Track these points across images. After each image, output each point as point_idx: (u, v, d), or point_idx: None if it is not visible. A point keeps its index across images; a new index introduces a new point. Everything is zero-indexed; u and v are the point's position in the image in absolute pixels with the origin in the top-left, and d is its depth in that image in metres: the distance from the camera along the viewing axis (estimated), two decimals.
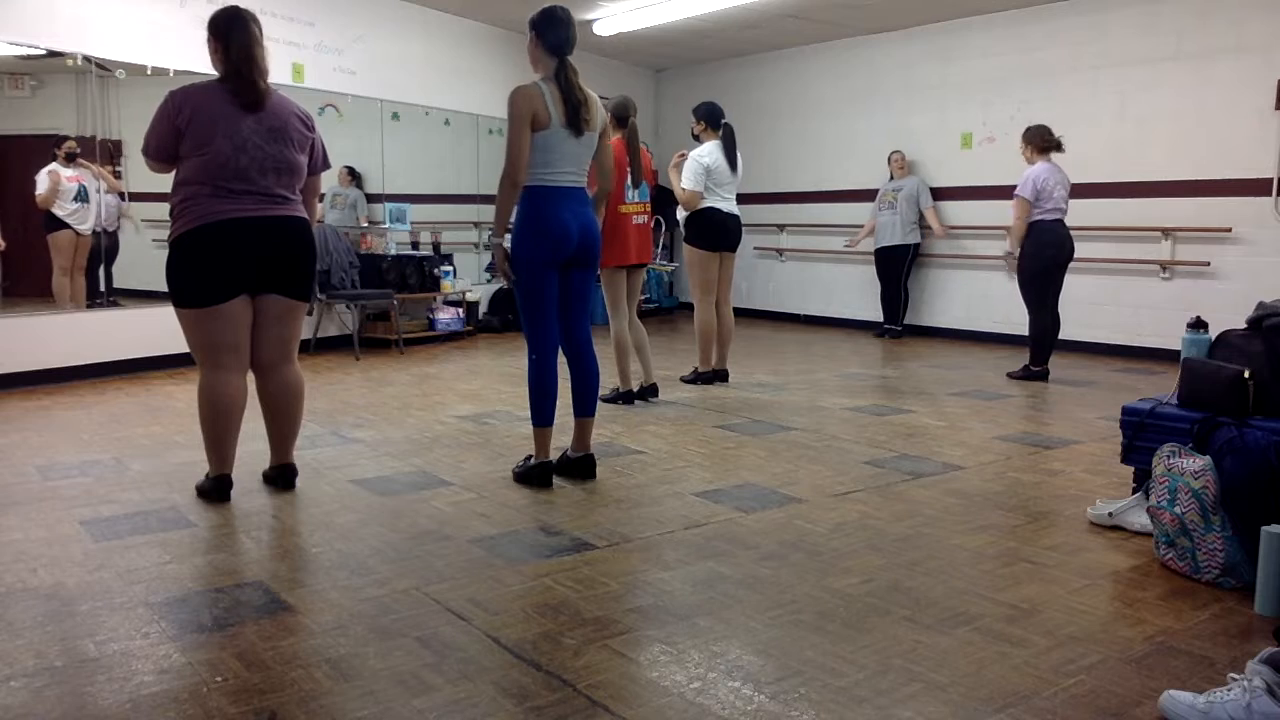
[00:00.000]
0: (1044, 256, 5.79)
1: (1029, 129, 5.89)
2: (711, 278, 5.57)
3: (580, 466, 3.59)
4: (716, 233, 5.49)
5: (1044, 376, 5.93)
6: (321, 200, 7.69)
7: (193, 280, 3.11)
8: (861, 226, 8.38)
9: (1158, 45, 6.78)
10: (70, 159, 6.14)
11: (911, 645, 2.16)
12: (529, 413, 3.47)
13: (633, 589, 2.50)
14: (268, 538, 2.91)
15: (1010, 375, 6.05)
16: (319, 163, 3.39)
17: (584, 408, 3.60)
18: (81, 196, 6.21)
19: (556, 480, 3.52)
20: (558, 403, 3.49)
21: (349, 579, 2.55)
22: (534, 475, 3.49)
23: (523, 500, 3.31)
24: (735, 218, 5.56)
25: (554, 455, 3.56)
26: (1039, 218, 5.73)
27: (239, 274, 3.13)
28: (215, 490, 3.26)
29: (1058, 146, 5.81)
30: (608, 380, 5.04)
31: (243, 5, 3.23)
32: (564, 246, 3.35)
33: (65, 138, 6.14)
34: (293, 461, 3.46)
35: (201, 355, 3.20)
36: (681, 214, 5.57)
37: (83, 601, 2.39)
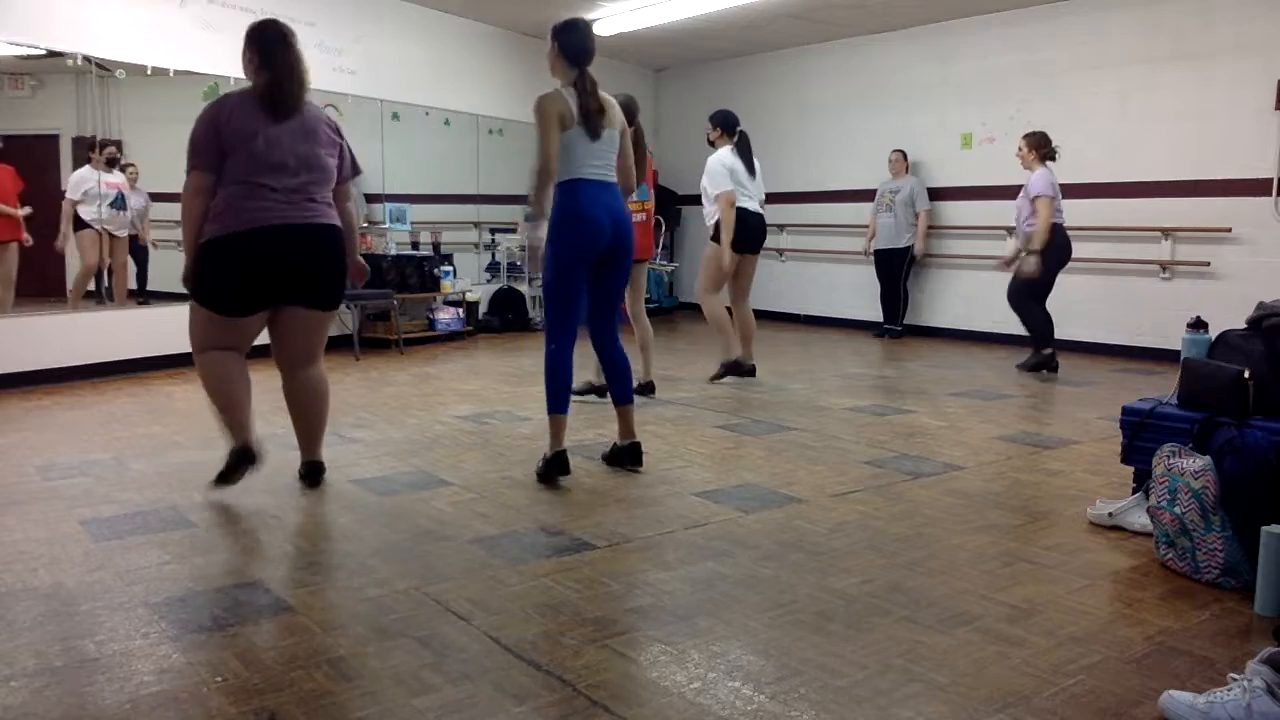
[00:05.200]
0: (1052, 257, 5.85)
1: (1035, 134, 5.94)
2: (724, 276, 5.68)
3: (629, 454, 3.71)
4: (743, 234, 5.56)
5: (1052, 362, 5.96)
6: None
7: (215, 289, 3.12)
8: (864, 227, 8.37)
9: (1158, 45, 6.78)
10: (111, 164, 6.14)
11: (911, 645, 2.16)
12: (544, 403, 3.56)
13: (633, 589, 2.50)
14: (268, 538, 2.91)
15: (1020, 366, 6.10)
16: (348, 169, 3.40)
17: (624, 396, 3.71)
18: (119, 203, 6.22)
19: (556, 480, 3.52)
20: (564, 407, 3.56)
21: (349, 579, 2.55)
22: (552, 466, 3.53)
23: (523, 500, 3.31)
24: (760, 218, 5.69)
25: (568, 448, 3.60)
26: (1054, 220, 5.78)
27: (264, 288, 3.14)
28: (237, 461, 3.22)
29: (1055, 156, 5.91)
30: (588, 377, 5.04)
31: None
32: (598, 239, 3.47)
33: (108, 142, 6.13)
34: (319, 459, 3.49)
35: (201, 344, 3.22)
36: (710, 220, 5.61)
37: (83, 601, 2.39)
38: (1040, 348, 6.02)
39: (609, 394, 3.76)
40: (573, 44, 3.47)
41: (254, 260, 3.10)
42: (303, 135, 3.18)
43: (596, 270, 3.56)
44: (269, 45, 3.17)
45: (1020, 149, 5.98)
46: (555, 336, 3.53)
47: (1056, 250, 5.84)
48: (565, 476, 3.54)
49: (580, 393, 5.00)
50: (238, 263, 3.09)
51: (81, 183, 6.15)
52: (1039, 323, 5.98)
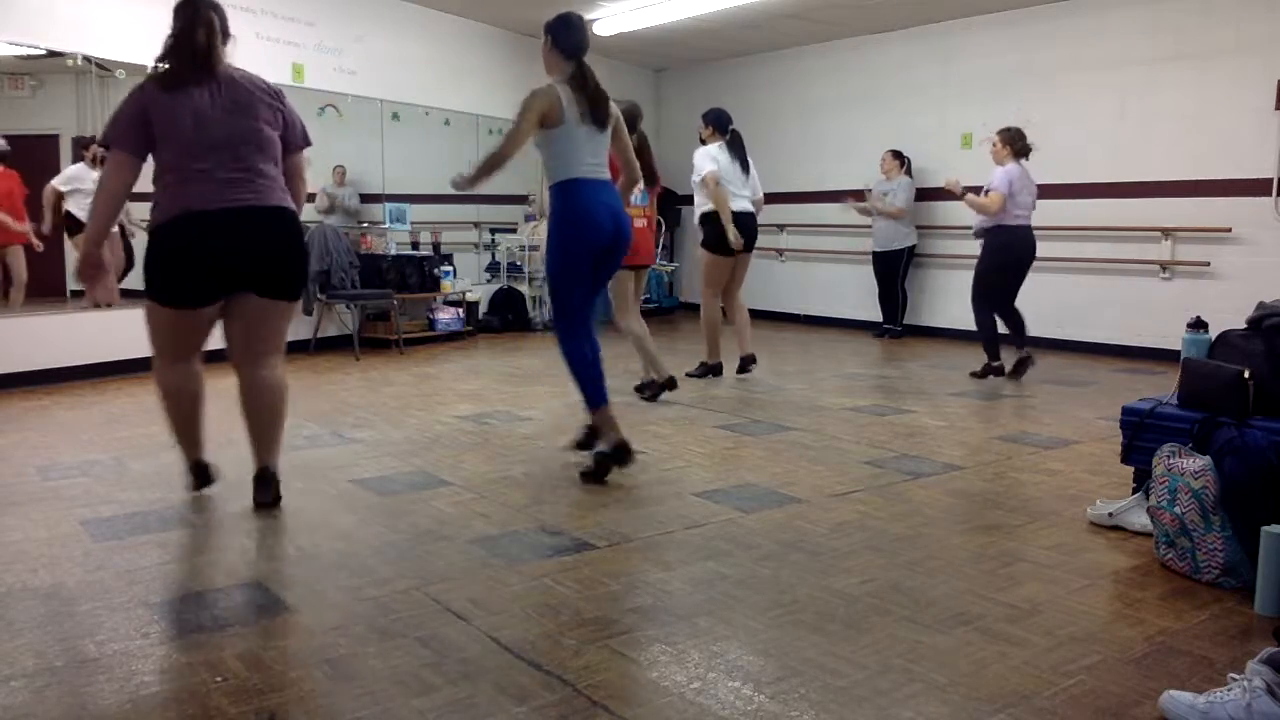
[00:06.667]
0: (1005, 257, 5.71)
1: (1008, 129, 5.83)
2: (723, 277, 5.73)
3: (617, 455, 3.53)
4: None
5: (1003, 371, 5.86)
6: (311, 199, 7.71)
7: (165, 279, 2.95)
8: (866, 227, 8.32)
9: (1158, 45, 6.78)
10: (101, 163, 6.12)
11: (911, 645, 2.16)
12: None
13: (633, 589, 2.50)
14: (268, 538, 2.91)
15: (973, 374, 5.95)
16: (297, 137, 3.16)
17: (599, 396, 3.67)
18: None
19: (556, 481, 3.52)
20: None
21: (349, 579, 2.55)
22: (612, 459, 3.49)
23: (523, 500, 3.31)
24: (751, 216, 5.68)
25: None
26: (1005, 220, 5.64)
27: (212, 276, 2.94)
28: (195, 477, 3.16)
29: (1029, 153, 5.77)
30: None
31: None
32: (600, 234, 3.48)
33: (93, 139, 6.12)
34: (271, 466, 3.18)
35: (159, 347, 3.06)
36: (697, 213, 5.66)
37: (83, 601, 2.39)
38: (992, 358, 5.87)
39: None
40: (568, 38, 3.47)
41: (196, 246, 2.90)
42: (237, 109, 2.96)
43: (593, 266, 3.57)
44: (175, 15, 3.01)
45: (994, 144, 5.83)
46: (569, 336, 3.53)
47: (1008, 250, 5.70)
48: (629, 465, 3.51)
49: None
50: (179, 250, 2.90)
51: (73, 179, 6.13)
52: (987, 333, 5.86)
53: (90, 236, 2.97)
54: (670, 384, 5.16)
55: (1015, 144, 5.75)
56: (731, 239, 5.50)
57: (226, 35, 3.09)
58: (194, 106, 2.92)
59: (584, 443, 3.75)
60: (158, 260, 2.95)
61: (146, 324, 3.03)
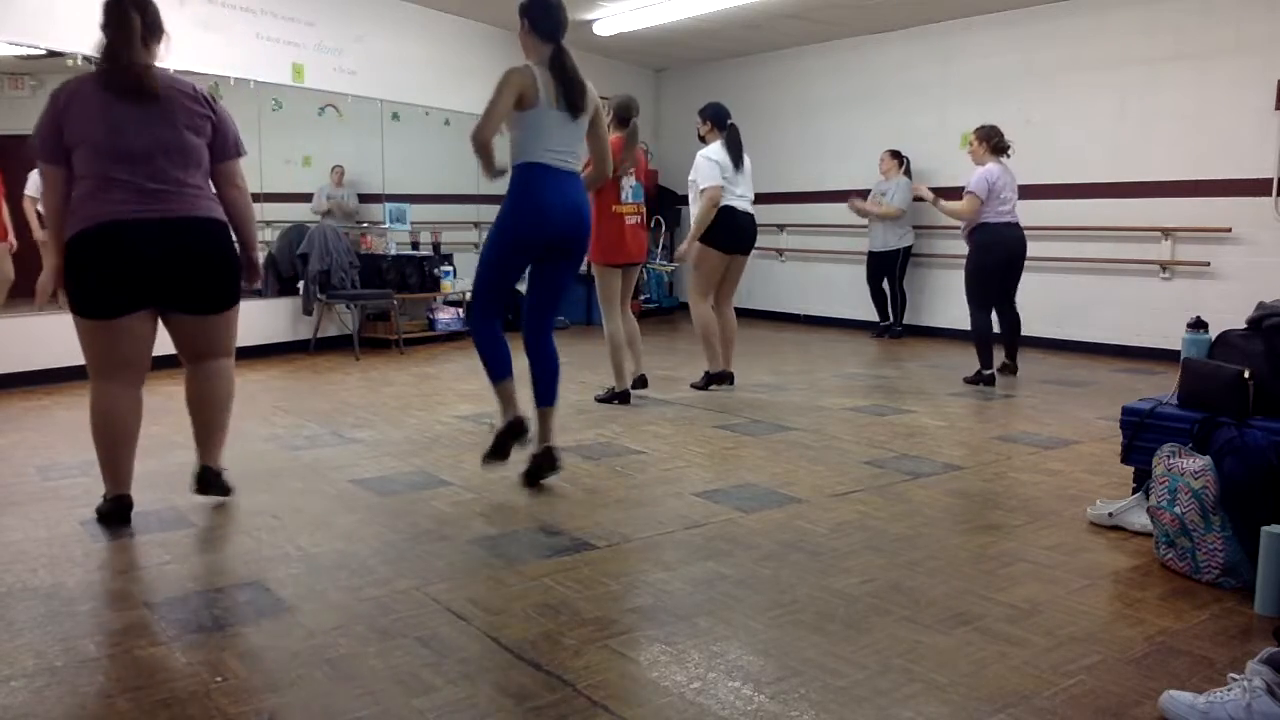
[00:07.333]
0: (989, 258, 5.63)
1: (985, 127, 5.72)
2: (716, 279, 5.48)
3: (545, 459, 3.46)
4: (732, 233, 5.36)
5: (992, 380, 5.71)
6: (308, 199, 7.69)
7: (82, 290, 2.82)
8: (864, 227, 8.34)
9: (1158, 45, 6.78)
10: None
11: (911, 645, 2.16)
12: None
13: (633, 589, 2.50)
14: (268, 538, 2.91)
15: (966, 380, 5.84)
16: (230, 147, 3.00)
17: (548, 397, 3.51)
18: None
19: (556, 481, 3.51)
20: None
21: (349, 579, 2.55)
22: (506, 436, 3.43)
23: (523, 500, 3.31)
24: (750, 217, 5.45)
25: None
26: (988, 219, 5.55)
27: (133, 286, 2.83)
28: (114, 512, 2.99)
29: (1007, 150, 5.68)
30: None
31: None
32: (546, 227, 3.32)
33: None
34: (213, 465, 3.14)
35: (93, 365, 2.92)
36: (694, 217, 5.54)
37: (83, 601, 2.39)
38: (984, 365, 5.73)
39: (532, 394, 3.51)
40: (546, 20, 3.34)
41: (115, 257, 2.78)
42: (157, 115, 2.82)
43: (542, 262, 3.42)
44: (105, 19, 2.86)
45: (970, 143, 5.74)
46: (484, 317, 3.40)
47: (993, 249, 5.60)
48: (524, 446, 3.43)
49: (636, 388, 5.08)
50: (97, 260, 2.78)
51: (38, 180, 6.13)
52: (979, 336, 5.73)
53: (54, 249, 2.88)
54: (624, 398, 5.01)
55: (992, 141, 5.63)
56: (681, 251, 5.48)
57: (159, 33, 2.95)
58: (109, 114, 2.79)
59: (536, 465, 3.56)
60: (76, 271, 2.81)
61: (78, 339, 2.90)
